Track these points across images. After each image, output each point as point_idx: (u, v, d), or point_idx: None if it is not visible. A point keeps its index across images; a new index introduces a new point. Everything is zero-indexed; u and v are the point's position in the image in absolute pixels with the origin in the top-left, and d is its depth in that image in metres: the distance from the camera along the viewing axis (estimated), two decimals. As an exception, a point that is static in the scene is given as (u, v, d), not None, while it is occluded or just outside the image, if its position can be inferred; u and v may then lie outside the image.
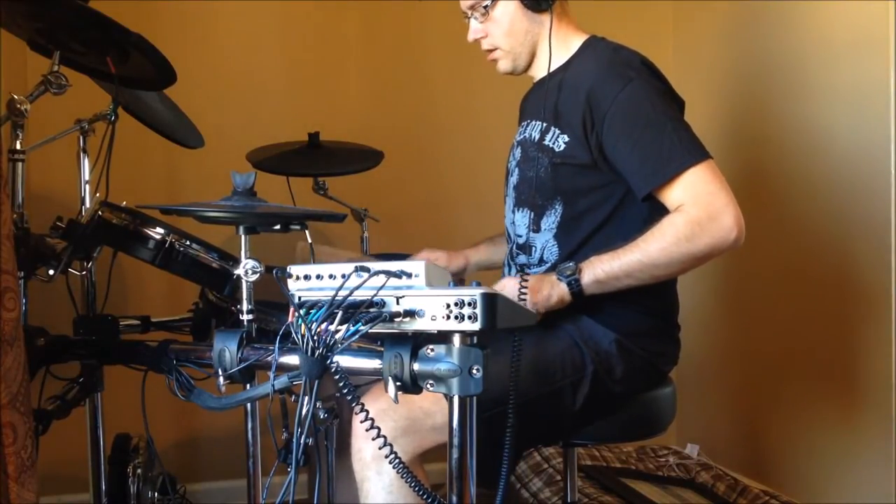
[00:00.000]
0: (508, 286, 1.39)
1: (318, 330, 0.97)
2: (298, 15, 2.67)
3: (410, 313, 0.98)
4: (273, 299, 1.35)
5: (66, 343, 1.47)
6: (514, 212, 1.61)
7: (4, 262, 1.02)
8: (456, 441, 1.01)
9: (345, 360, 1.05)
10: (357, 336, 0.97)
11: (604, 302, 1.43)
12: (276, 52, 2.67)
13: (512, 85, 1.75)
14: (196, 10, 2.57)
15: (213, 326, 1.63)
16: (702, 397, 2.77)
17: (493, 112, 2.32)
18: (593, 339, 1.45)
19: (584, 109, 1.46)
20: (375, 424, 1.00)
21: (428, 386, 1.00)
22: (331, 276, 1.05)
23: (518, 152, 1.63)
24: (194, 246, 1.43)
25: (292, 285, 1.08)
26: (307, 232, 1.28)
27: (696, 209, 1.35)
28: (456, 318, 0.96)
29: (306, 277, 1.07)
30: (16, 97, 1.39)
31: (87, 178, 1.71)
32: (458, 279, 1.79)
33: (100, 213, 1.40)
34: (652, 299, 1.51)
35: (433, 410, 1.33)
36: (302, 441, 1.04)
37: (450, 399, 1.00)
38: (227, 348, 1.18)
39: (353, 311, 0.97)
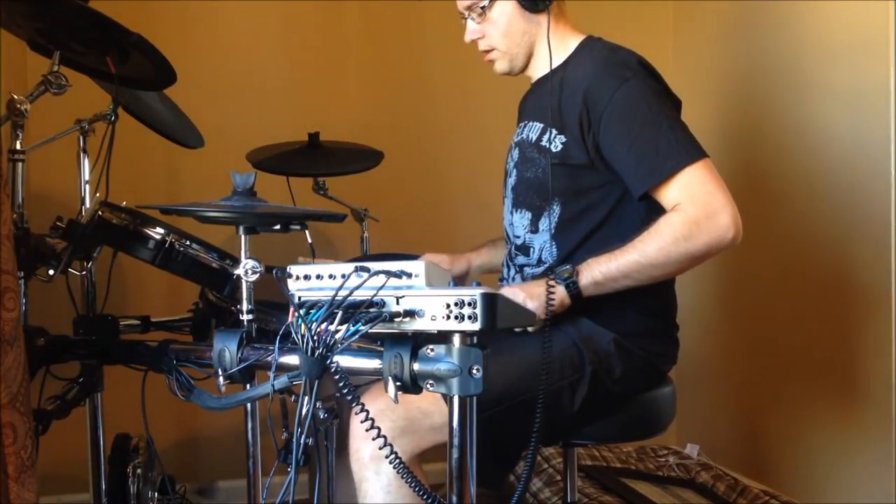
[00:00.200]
0: (524, 294, 1.38)
1: (318, 330, 0.97)
2: (298, 15, 2.67)
3: (410, 313, 0.98)
4: (273, 299, 1.35)
5: (66, 343, 1.47)
6: (512, 213, 1.61)
7: (4, 262, 1.02)
8: (456, 441, 1.01)
9: (345, 360, 1.05)
10: (357, 336, 0.97)
11: (602, 302, 1.43)
12: (276, 52, 2.67)
13: (512, 85, 1.75)
14: (196, 10, 2.57)
15: (213, 326, 1.63)
16: (702, 397, 2.77)
17: (492, 112, 2.32)
18: (592, 339, 1.45)
19: (581, 109, 1.46)
20: (372, 419, 1.00)
21: (428, 386, 1.00)
22: (331, 277, 1.05)
23: (516, 153, 1.63)
24: (194, 246, 1.43)
25: (292, 285, 1.08)
26: (307, 232, 1.28)
27: (694, 208, 1.35)
28: (456, 318, 0.96)
29: (306, 277, 1.07)
30: (16, 97, 1.39)
31: (87, 178, 1.71)
32: (461, 283, 1.79)
33: (100, 213, 1.40)
34: (650, 299, 1.51)
35: (431, 410, 1.33)
36: (302, 441, 1.04)
37: (450, 399, 1.00)
38: (227, 348, 1.18)
39: (353, 311, 0.97)
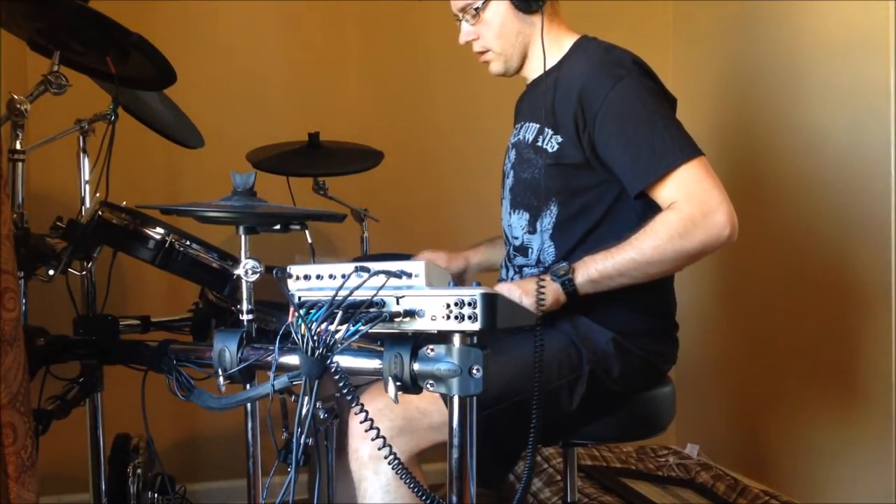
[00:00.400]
0: (520, 290, 1.38)
1: (318, 330, 0.97)
2: (298, 15, 2.67)
3: (410, 313, 0.98)
4: (273, 299, 1.35)
5: (66, 343, 1.47)
6: (510, 214, 1.61)
7: (4, 262, 1.02)
8: (456, 441, 1.01)
9: (345, 360, 1.05)
10: (357, 336, 0.97)
11: (601, 301, 1.43)
12: (276, 52, 2.67)
13: (512, 85, 1.75)
14: (196, 10, 2.57)
15: (213, 326, 1.63)
16: (701, 397, 2.77)
17: (492, 112, 2.31)
18: (590, 338, 1.45)
19: (576, 109, 1.46)
20: (371, 419, 1.00)
21: (428, 386, 1.00)
22: (331, 277, 1.05)
23: (513, 154, 1.63)
24: (194, 246, 1.43)
25: (292, 285, 1.08)
26: (307, 232, 1.28)
27: (690, 206, 1.36)
28: (456, 318, 0.96)
29: (306, 277, 1.07)
30: (16, 97, 1.39)
31: (87, 178, 1.71)
32: (459, 281, 1.79)
33: (100, 213, 1.40)
34: (650, 298, 1.51)
35: (430, 410, 1.33)
36: (302, 441, 1.04)
37: (450, 399, 1.00)
38: (227, 348, 1.18)
39: (353, 311, 0.97)
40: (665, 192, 1.39)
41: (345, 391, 0.99)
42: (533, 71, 1.62)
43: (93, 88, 1.81)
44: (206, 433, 2.62)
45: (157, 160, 2.51)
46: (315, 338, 0.97)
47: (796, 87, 2.37)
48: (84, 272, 1.64)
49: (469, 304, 0.95)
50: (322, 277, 1.06)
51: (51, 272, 1.39)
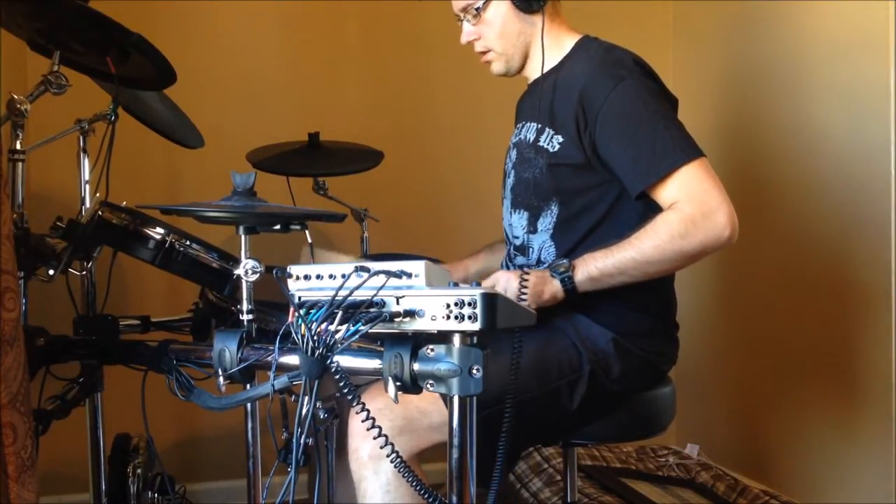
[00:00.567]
0: (506, 281, 1.39)
1: (318, 330, 0.97)
2: (299, 15, 2.67)
3: (410, 313, 0.98)
4: (273, 299, 1.35)
5: (66, 343, 1.47)
6: (511, 213, 1.61)
7: (4, 262, 1.02)
8: (456, 441, 1.01)
9: (345, 360, 1.05)
10: (357, 336, 0.97)
11: (601, 301, 1.43)
12: (276, 53, 2.67)
13: (512, 85, 1.75)
14: (196, 10, 2.57)
15: (213, 326, 1.63)
16: (701, 397, 2.77)
17: (493, 112, 2.31)
18: (590, 338, 1.45)
19: (577, 109, 1.46)
20: (373, 418, 1.00)
21: (428, 386, 1.00)
22: (331, 277, 1.05)
23: (514, 154, 1.63)
24: (194, 246, 1.43)
25: (292, 285, 1.08)
26: (307, 232, 1.28)
27: (690, 206, 1.36)
28: (456, 318, 0.96)
29: (306, 277, 1.07)
30: (16, 97, 1.39)
31: (87, 178, 1.71)
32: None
33: (100, 213, 1.40)
34: (650, 298, 1.51)
35: (430, 410, 1.33)
36: (302, 441, 1.04)
37: (450, 399, 1.00)
38: (227, 348, 1.18)
39: (353, 311, 0.97)
40: (666, 193, 1.39)
41: (345, 391, 0.99)
42: (534, 71, 1.62)
43: (93, 88, 1.81)
44: (206, 433, 2.62)
45: (157, 160, 2.51)
46: (315, 338, 0.97)
47: (796, 87, 2.37)
48: (84, 272, 1.65)
49: (469, 304, 0.95)
50: (322, 277, 1.06)
51: (51, 272, 1.39)
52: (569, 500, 1.76)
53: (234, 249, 1.29)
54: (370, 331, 0.97)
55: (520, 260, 1.59)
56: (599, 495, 2.23)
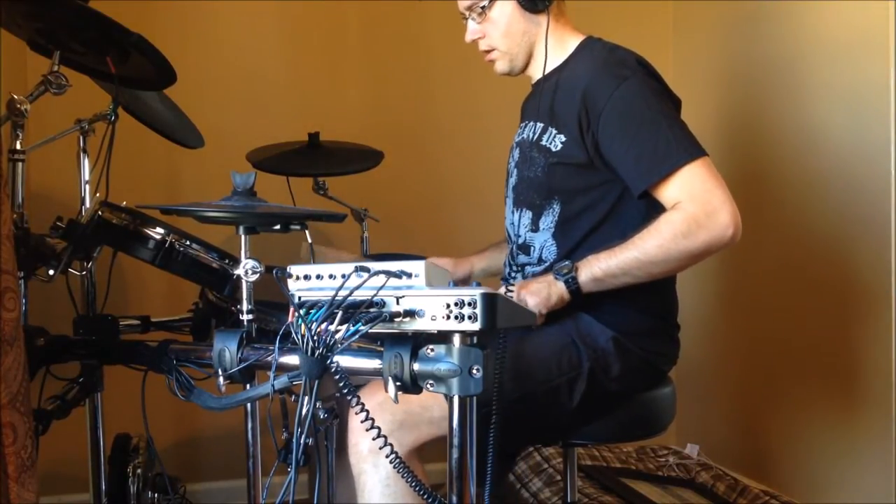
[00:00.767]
0: (526, 291, 1.38)
1: (318, 330, 0.97)
2: (298, 15, 2.67)
3: (410, 313, 0.98)
4: (273, 299, 1.35)
5: (66, 343, 1.47)
6: (513, 212, 1.61)
7: (4, 262, 1.02)
8: (456, 441, 1.01)
9: (345, 360, 1.05)
10: (357, 336, 0.97)
11: (603, 300, 1.43)
12: (276, 53, 2.67)
13: (512, 85, 1.75)
14: (196, 10, 2.57)
15: (213, 326, 1.63)
16: (702, 397, 2.77)
17: (493, 112, 2.32)
18: (591, 336, 1.45)
19: (580, 109, 1.46)
20: (372, 419, 1.00)
21: (428, 386, 1.01)
22: (331, 277, 1.05)
23: (517, 153, 1.63)
24: (194, 246, 1.43)
25: (292, 285, 1.08)
26: (307, 232, 1.28)
27: (693, 206, 1.36)
28: (456, 318, 0.96)
29: (306, 277, 1.07)
30: (16, 97, 1.39)
31: (87, 178, 1.71)
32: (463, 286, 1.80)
33: (100, 213, 1.40)
34: (652, 298, 1.51)
35: (430, 404, 1.33)
36: (302, 441, 1.04)
37: (450, 399, 1.00)
38: (227, 348, 1.18)
39: (353, 311, 0.97)
40: (668, 192, 1.39)
41: (345, 391, 0.99)
42: (538, 70, 1.62)
43: (93, 88, 1.81)
44: (206, 433, 2.62)
45: (157, 160, 2.51)
46: (315, 338, 0.97)
47: (796, 87, 2.37)
48: (84, 272, 1.65)
49: (469, 304, 0.95)
50: (322, 277, 1.06)
51: (51, 272, 1.39)
52: (569, 500, 1.76)
53: (234, 249, 1.29)
54: (370, 331, 0.97)
55: (521, 259, 1.60)
56: (599, 495, 2.23)
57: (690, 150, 1.39)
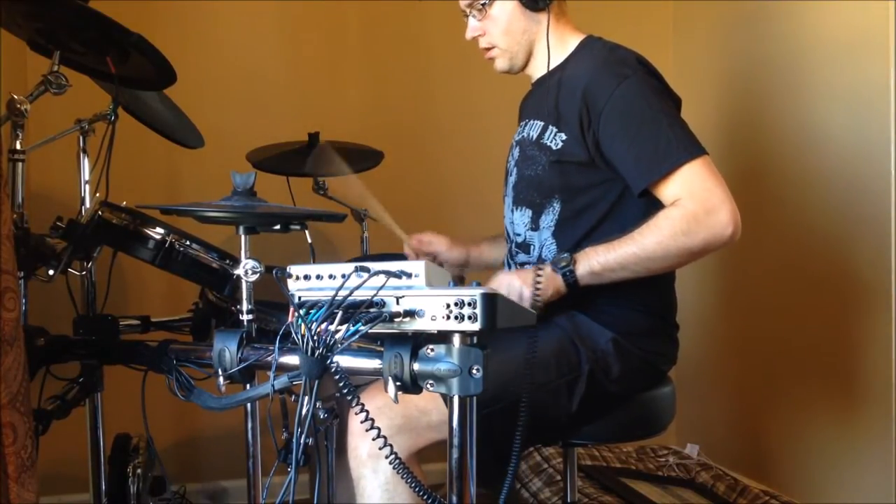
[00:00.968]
0: (519, 286, 1.39)
1: (318, 330, 0.97)
2: (298, 15, 2.67)
3: (410, 313, 0.98)
4: (273, 299, 1.35)
5: (66, 343, 1.47)
6: (513, 211, 1.61)
7: (4, 262, 1.02)
8: (456, 441, 1.01)
9: (345, 360, 1.05)
10: (357, 336, 0.97)
11: (602, 300, 1.43)
12: (276, 52, 2.67)
13: (512, 84, 1.75)
14: (196, 10, 2.57)
15: (213, 326, 1.63)
16: (701, 397, 2.77)
17: (493, 112, 2.31)
18: (590, 337, 1.45)
19: (581, 107, 1.46)
20: (372, 419, 1.00)
21: (428, 386, 1.00)
22: (331, 277, 1.05)
23: (517, 152, 1.63)
24: (194, 246, 1.43)
25: (292, 285, 1.08)
26: (307, 232, 1.28)
27: (693, 204, 1.36)
28: (456, 318, 0.96)
29: (306, 277, 1.07)
30: (16, 97, 1.39)
31: (87, 178, 1.71)
32: (459, 276, 1.80)
33: (100, 213, 1.40)
34: (651, 298, 1.51)
35: (429, 408, 1.33)
36: (302, 441, 1.04)
37: (450, 399, 1.00)
38: (227, 348, 1.18)
39: (353, 311, 0.97)
40: (668, 191, 1.39)
41: (345, 391, 0.99)
42: (538, 69, 1.62)
43: (93, 88, 1.81)
44: (206, 433, 2.62)
45: (157, 160, 2.51)
46: (315, 338, 0.97)
47: (796, 87, 2.37)
48: (84, 272, 1.65)
49: (469, 304, 0.95)
50: (322, 277, 1.06)
51: (51, 272, 1.39)
52: (569, 500, 1.76)
53: (234, 249, 1.29)
54: (370, 331, 0.97)
55: (521, 257, 1.60)
56: (599, 495, 2.23)
57: (690, 148, 1.39)
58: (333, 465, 1.36)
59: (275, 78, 2.66)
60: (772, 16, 2.46)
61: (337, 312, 0.97)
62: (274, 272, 1.09)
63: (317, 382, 0.99)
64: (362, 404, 1.00)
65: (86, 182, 1.71)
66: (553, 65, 1.58)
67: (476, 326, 0.95)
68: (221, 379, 1.19)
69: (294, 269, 1.08)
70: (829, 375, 2.27)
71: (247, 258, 1.21)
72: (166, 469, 1.88)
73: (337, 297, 0.97)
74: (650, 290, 1.47)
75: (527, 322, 1.10)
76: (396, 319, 0.98)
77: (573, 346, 1.44)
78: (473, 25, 1.60)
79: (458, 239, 1.81)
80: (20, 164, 1.43)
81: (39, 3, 1.41)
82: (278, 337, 1.05)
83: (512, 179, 1.63)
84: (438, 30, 2.63)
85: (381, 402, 1.31)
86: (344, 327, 0.97)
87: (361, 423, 1.00)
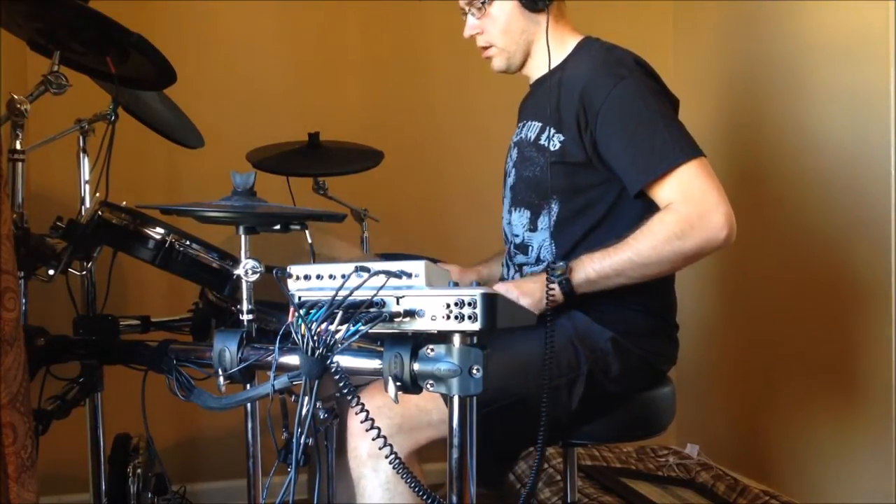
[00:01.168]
0: (520, 291, 1.39)
1: (318, 330, 0.97)
2: (298, 15, 2.67)
3: (410, 313, 0.98)
4: (273, 299, 1.35)
5: (66, 343, 1.47)
6: (510, 212, 1.61)
7: (4, 262, 1.02)
8: (456, 441, 1.01)
9: (345, 360, 1.05)
10: (357, 336, 0.97)
11: (601, 300, 1.43)
12: (275, 52, 2.67)
13: (511, 85, 1.76)
14: (196, 10, 2.57)
15: (213, 326, 1.63)
16: (701, 397, 2.77)
17: (492, 112, 2.32)
18: (590, 337, 1.45)
19: (578, 108, 1.46)
20: (372, 419, 1.00)
21: (428, 386, 1.00)
22: (331, 277, 1.05)
23: (515, 153, 1.63)
24: (194, 246, 1.42)
25: (292, 285, 1.08)
26: (307, 232, 1.28)
27: (687, 207, 1.36)
28: (456, 318, 0.96)
29: (306, 277, 1.07)
30: (16, 97, 1.38)
31: (87, 178, 1.71)
32: None
33: (100, 213, 1.40)
34: (651, 298, 1.51)
35: (428, 407, 1.33)
36: (302, 441, 1.04)
37: (450, 399, 1.00)
38: (227, 348, 1.17)
39: (353, 311, 0.97)
40: (664, 193, 1.39)
41: (345, 391, 0.99)
42: (535, 69, 1.62)
43: (93, 88, 1.81)
44: (206, 433, 2.62)
45: (157, 160, 2.51)
46: (315, 338, 0.97)
47: (796, 88, 2.37)
48: (84, 272, 1.64)
49: (469, 304, 0.95)
50: (322, 277, 1.06)
51: (51, 272, 1.38)
52: (569, 500, 1.76)
53: (234, 249, 1.29)
54: (370, 331, 0.97)
55: (519, 258, 1.60)
56: (599, 495, 2.23)
57: (687, 150, 1.39)
58: (333, 465, 1.36)
59: (275, 78, 2.66)
60: (772, 16, 2.46)
61: (337, 312, 0.97)
62: (274, 272, 1.09)
63: (317, 382, 0.99)
64: (362, 404, 1.00)
65: (86, 182, 1.71)
66: (551, 66, 1.58)
67: (476, 326, 0.95)
68: (221, 379, 1.18)
69: (294, 269, 1.08)
70: (829, 376, 2.27)
71: (247, 258, 1.21)
72: (166, 469, 1.88)
73: (337, 297, 0.97)
74: (650, 291, 1.47)
75: (527, 322, 1.11)
76: (396, 319, 0.98)
77: (573, 345, 1.44)
78: (472, 23, 1.60)
79: (468, 267, 1.80)
80: (20, 164, 1.43)
81: (39, 3, 1.41)
82: (278, 337, 1.05)
83: (510, 181, 1.63)
84: (438, 30, 2.63)
85: (381, 402, 1.31)
86: (344, 327, 0.97)
87: (361, 422, 1.00)
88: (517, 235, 1.60)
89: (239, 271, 1.21)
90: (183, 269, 1.43)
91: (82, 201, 1.71)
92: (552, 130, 1.52)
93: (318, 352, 0.97)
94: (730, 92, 2.71)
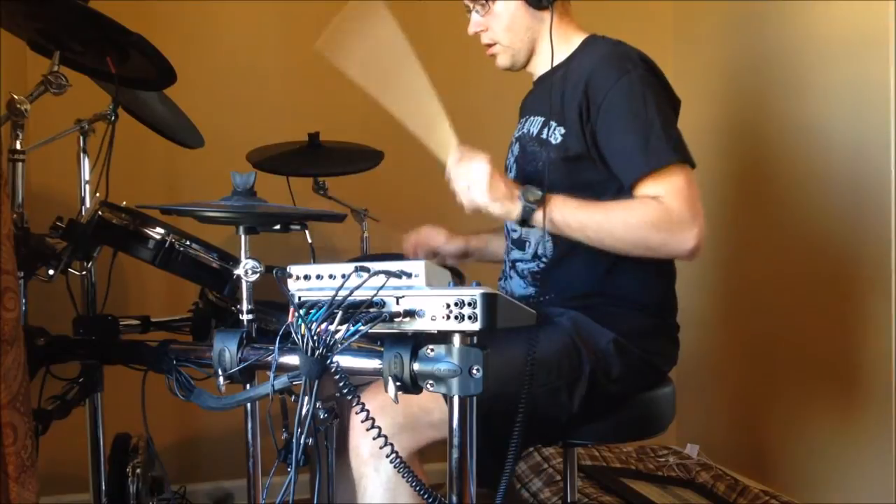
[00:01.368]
0: (497, 187, 1.40)
1: (318, 330, 0.97)
2: (298, 14, 2.66)
3: (410, 313, 0.98)
4: (273, 299, 1.35)
5: (66, 343, 1.47)
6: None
7: (4, 262, 1.02)
8: (456, 441, 1.01)
9: (345, 360, 1.05)
10: (357, 336, 0.97)
11: (602, 301, 1.43)
12: (275, 52, 2.67)
13: (512, 84, 1.75)
14: (196, 10, 2.57)
15: (213, 326, 1.63)
16: (701, 397, 2.77)
17: (493, 111, 2.31)
18: (591, 338, 1.44)
19: (581, 99, 1.47)
20: (373, 419, 1.00)
21: (428, 386, 1.00)
22: (331, 276, 1.05)
23: (516, 148, 1.64)
24: (194, 246, 1.43)
25: (292, 285, 1.08)
26: (307, 232, 1.28)
27: (673, 205, 1.36)
28: (456, 318, 0.96)
29: (306, 277, 1.07)
30: (16, 97, 1.38)
31: (87, 178, 1.71)
32: (458, 262, 1.80)
33: (100, 213, 1.40)
34: (651, 298, 1.51)
35: (431, 407, 1.32)
36: (302, 441, 1.04)
37: (450, 399, 1.00)
38: (227, 348, 1.18)
39: (353, 311, 0.97)
40: (653, 188, 1.39)
41: (345, 391, 0.99)
42: (539, 67, 1.62)
43: (93, 88, 1.81)
44: (206, 433, 2.62)
45: (157, 160, 2.51)
46: (315, 338, 0.97)
47: (797, 87, 2.37)
48: (84, 272, 1.64)
49: (469, 304, 0.95)
50: (322, 277, 1.06)
51: (51, 272, 1.39)
52: (569, 500, 1.75)
53: (234, 249, 1.29)
54: (370, 331, 0.97)
55: (515, 254, 1.60)
56: (599, 495, 2.23)
57: (680, 153, 1.40)
58: (333, 465, 1.36)
59: (275, 78, 2.66)
60: (772, 16, 2.46)
61: (337, 312, 0.97)
62: (274, 272, 1.09)
63: (317, 382, 0.99)
64: (363, 404, 1.00)
65: (86, 182, 1.71)
66: (556, 62, 1.58)
67: (476, 326, 0.95)
68: (221, 379, 1.18)
69: (294, 269, 1.08)
70: (829, 375, 2.27)
71: (247, 258, 1.21)
72: (166, 469, 1.88)
73: (337, 297, 0.97)
74: (650, 291, 1.47)
75: (527, 322, 1.10)
76: (396, 319, 0.98)
77: (574, 346, 1.43)
78: (476, 21, 1.60)
79: (456, 235, 1.80)
80: (20, 164, 1.43)
81: (39, 3, 1.41)
82: (278, 337, 1.05)
83: (511, 175, 1.63)
84: (439, 30, 2.62)
85: (381, 402, 1.30)
86: (344, 327, 0.97)
87: (362, 422, 1.00)
88: (515, 231, 1.60)
89: (239, 271, 1.21)
90: (183, 269, 1.43)
91: (82, 201, 1.72)
92: (554, 124, 1.52)
93: (317, 352, 0.97)
94: (730, 91, 2.71)
